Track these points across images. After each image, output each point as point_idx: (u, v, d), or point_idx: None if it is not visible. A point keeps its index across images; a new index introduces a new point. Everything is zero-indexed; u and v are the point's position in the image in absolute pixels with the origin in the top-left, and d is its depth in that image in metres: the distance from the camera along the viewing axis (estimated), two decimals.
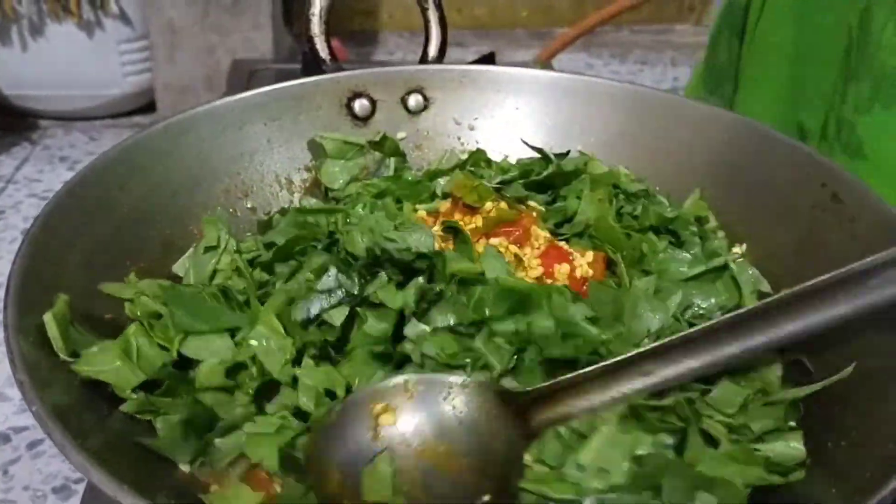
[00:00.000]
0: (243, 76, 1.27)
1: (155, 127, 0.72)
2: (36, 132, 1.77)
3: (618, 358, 0.51)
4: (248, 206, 0.77)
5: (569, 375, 0.52)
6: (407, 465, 0.51)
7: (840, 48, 0.86)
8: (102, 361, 0.54)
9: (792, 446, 0.50)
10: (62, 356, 0.52)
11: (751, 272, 0.66)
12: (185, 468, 0.53)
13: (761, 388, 0.54)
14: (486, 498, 0.49)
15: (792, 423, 0.52)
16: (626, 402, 0.50)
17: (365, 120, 0.84)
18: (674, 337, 0.51)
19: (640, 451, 0.49)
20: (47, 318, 0.53)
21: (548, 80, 0.87)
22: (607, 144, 0.82)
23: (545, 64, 1.10)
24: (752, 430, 0.51)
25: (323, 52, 0.87)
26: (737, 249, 0.72)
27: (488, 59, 1.13)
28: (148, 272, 0.64)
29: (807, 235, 0.68)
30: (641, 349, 0.51)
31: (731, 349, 0.50)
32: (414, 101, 0.85)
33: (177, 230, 0.70)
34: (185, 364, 0.56)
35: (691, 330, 0.52)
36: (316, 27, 0.88)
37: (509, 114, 0.86)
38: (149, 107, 1.76)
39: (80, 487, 0.85)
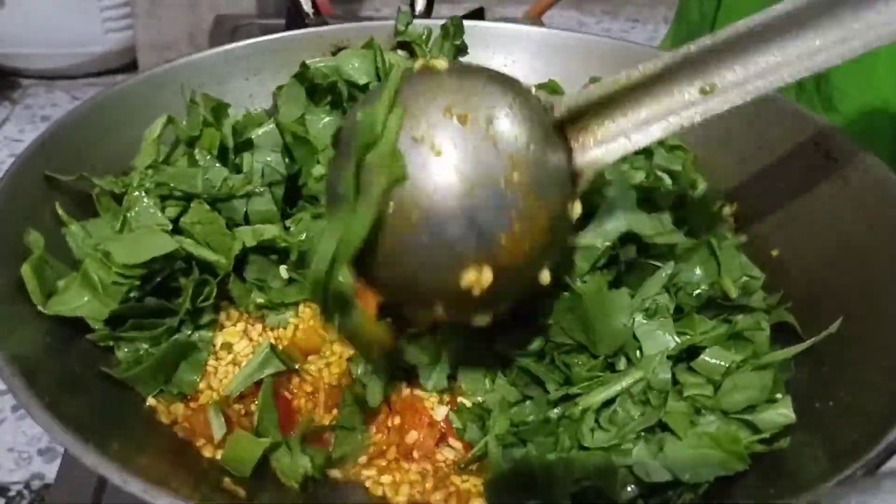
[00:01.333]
0: (226, 32, 1.24)
1: (132, 79, 0.69)
2: (17, 91, 1.73)
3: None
4: None
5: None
6: None
7: None
8: (72, 299, 0.54)
9: (780, 413, 0.50)
10: (40, 307, 0.52)
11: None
12: (151, 402, 0.54)
13: (752, 353, 0.53)
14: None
15: (778, 395, 0.51)
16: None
17: None
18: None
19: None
20: (25, 270, 0.52)
21: (538, 36, 0.84)
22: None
23: (535, 20, 1.07)
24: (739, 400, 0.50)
25: (306, 6, 0.85)
26: (727, 210, 0.71)
27: (477, 14, 1.11)
28: None
29: (797, 194, 0.67)
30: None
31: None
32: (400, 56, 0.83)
33: None
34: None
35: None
36: None
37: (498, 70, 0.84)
38: (132, 65, 1.72)
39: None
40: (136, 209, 0.58)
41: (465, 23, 0.85)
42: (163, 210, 0.59)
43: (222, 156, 0.64)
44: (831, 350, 0.53)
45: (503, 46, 0.84)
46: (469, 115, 0.42)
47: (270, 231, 0.61)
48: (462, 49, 0.82)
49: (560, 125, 0.47)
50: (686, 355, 0.53)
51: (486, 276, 0.42)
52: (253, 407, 0.55)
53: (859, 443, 0.43)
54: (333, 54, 0.80)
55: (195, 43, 1.54)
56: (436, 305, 0.45)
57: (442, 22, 0.84)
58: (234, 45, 0.77)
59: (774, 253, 0.66)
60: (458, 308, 0.45)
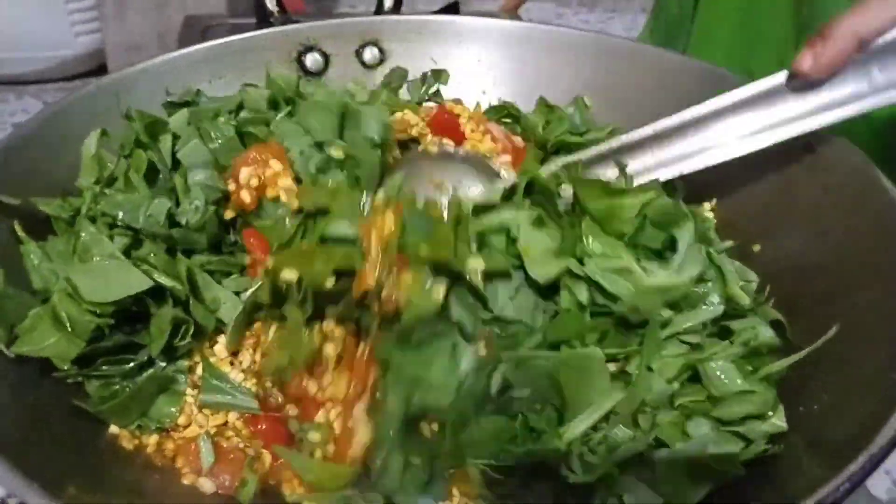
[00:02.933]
0: (196, 32, 1.21)
1: (87, 88, 0.67)
2: None
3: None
4: None
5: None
6: None
7: None
8: (39, 339, 0.52)
9: (772, 423, 0.48)
10: (2, 348, 0.50)
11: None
12: (114, 430, 0.53)
13: (754, 348, 0.51)
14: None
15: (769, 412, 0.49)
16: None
17: (318, 75, 0.79)
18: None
19: None
20: None
21: (514, 30, 0.82)
22: (574, 96, 0.78)
23: (512, 14, 1.05)
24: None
25: (270, 4, 0.82)
26: (707, 206, 0.70)
27: (452, 8, 1.08)
28: None
29: (778, 187, 0.65)
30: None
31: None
32: (370, 54, 0.81)
33: None
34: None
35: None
36: None
37: (471, 66, 0.82)
38: (103, 68, 1.69)
39: None
40: (86, 236, 0.56)
41: (441, 18, 0.83)
42: (111, 237, 0.57)
43: (150, 178, 0.61)
44: (813, 351, 0.51)
45: (477, 41, 0.82)
46: (444, 183, 0.63)
47: (212, 261, 0.60)
48: (437, 94, 0.82)
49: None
50: (687, 375, 0.51)
51: None
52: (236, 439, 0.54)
53: (845, 448, 0.41)
54: (300, 55, 0.78)
55: (165, 44, 1.51)
56: None
57: (415, 17, 0.82)
58: (194, 47, 0.74)
59: (756, 248, 0.64)
60: None
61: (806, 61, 0.56)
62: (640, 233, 0.52)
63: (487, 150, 0.72)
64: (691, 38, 0.98)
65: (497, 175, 0.66)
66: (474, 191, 0.63)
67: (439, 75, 0.82)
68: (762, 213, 0.66)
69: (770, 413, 0.48)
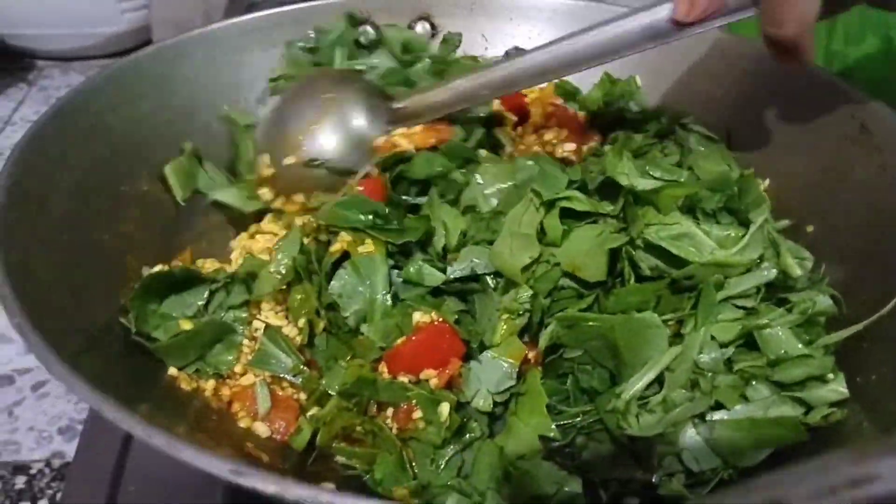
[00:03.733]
0: (241, 9, 1.22)
1: (144, 51, 0.68)
2: (32, 73, 1.72)
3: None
4: None
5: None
6: None
7: None
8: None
9: (832, 389, 0.48)
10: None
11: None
12: (173, 372, 0.54)
13: (811, 317, 0.51)
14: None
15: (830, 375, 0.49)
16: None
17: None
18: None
19: None
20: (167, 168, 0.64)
21: (564, 7, 0.82)
22: (627, 75, 0.78)
23: None
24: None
25: None
26: (760, 185, 0.69)
27: None
28: (142, 203, 0.62)
29: (832, 167, 0.64)
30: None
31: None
32: (421, 28, 0.81)
33: (173, 157, 0.67)
34: None
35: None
36: None
37: (523, 43, 0.82)
38: (148, 44, 1.71)
39: None
40: None
41: None
42: None
43: None
44: (871, 325, 0.51)
45: (528, 18, 0.82)
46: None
47: None
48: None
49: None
50: (743, 340, 0.51)
51: None
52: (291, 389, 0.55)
53: None
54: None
55: (211, 20, 1.53)
56: None
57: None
58: (248, 16, 0.75)
59: (809, 229, 0.64)
60: None
61: (683, 10, 0.56)
62: (696, 196, 0.52)
63: (552, 137, 0.71)
64: None
65: (387, 103, 0.66)
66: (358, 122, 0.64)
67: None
68: (816, 194, 0.65)
69: (831, 376, 0.48)
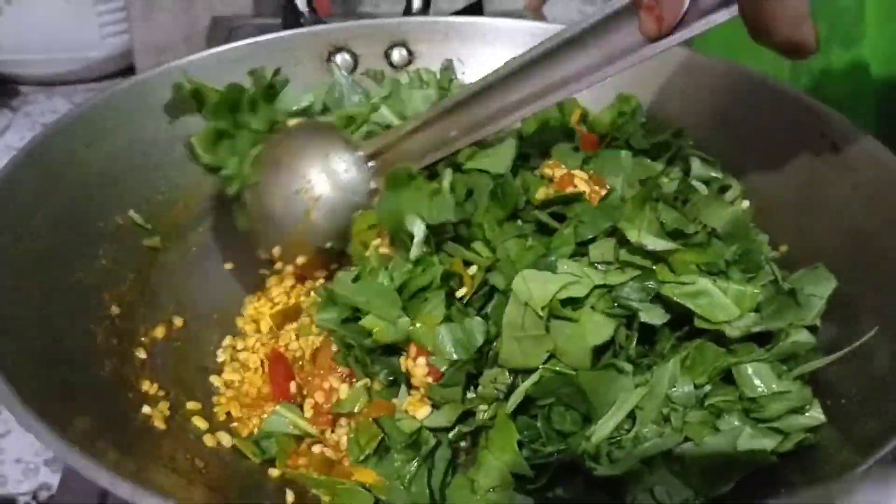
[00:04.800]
0: (223, 33, 1.23)
1: (121, 85, 0.68)
2: (16, 99, 1.72)
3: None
4: None
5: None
6: None
7: None
8: None
9: (809, 416, 0.48)
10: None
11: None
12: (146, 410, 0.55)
13: (791, 353, 0.52)
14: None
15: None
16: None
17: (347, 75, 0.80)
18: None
19: None
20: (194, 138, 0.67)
21: (540, 31, 0.83)
22: (602, 99, 0.78)
23: (536, 12, 1.06)
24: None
25: (301, 5, 0.83)
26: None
27: (475, 7, 1.09)
28: (117, 238, 0.63)
29: (806, 187, 0.65)
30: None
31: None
32: (398, 54, 0.82)
33: (152, 189, 0.68)
34: None
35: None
36: None
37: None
38: (131, 69, 1.71)
39: None
40: None
41: (467, 19, 0.84)
42: None
43: None
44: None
45: (503, 43, 0.82)
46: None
47: None
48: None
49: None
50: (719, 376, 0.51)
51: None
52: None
53: (875, 441, 0.41)
54: (330, 55, 0.79)
55: (192, 45, 1.53)
56: None
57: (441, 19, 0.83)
58: (227, 46, 0.75)
59: (783, 248, 0.64)
60: None
61: (651, 28, 0.54)
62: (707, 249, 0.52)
63: None
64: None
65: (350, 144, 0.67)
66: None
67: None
68: (790, 213, 0.65)
69: (807, 406, 0.48)
